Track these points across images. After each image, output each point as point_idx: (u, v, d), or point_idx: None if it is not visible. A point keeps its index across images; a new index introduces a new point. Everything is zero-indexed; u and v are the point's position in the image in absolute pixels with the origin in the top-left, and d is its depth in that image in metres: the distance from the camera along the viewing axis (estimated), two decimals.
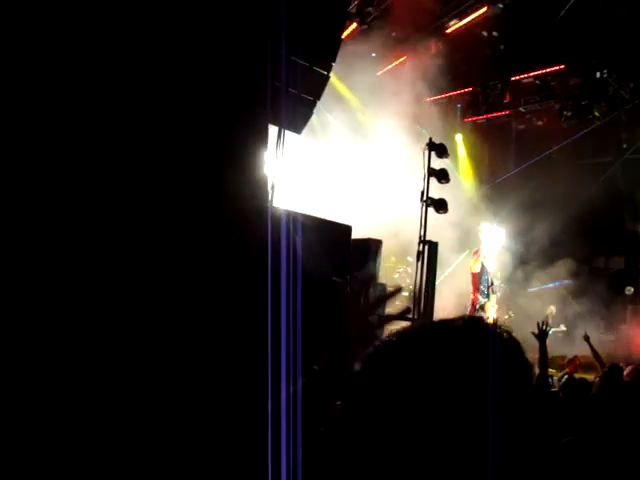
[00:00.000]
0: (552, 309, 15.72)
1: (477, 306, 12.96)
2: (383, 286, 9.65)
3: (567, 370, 10.24)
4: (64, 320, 3.64)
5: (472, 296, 13.19)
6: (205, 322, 4.28)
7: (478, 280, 13.15)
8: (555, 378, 9.07)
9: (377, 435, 0.86)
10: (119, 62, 4.24)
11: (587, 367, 13.64)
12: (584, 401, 5.15)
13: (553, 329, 15.32)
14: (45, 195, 3.77)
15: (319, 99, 6.89)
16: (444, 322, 0.96)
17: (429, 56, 16.00)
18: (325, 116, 13.84)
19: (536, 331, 5.74)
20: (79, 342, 3.65)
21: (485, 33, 15.63)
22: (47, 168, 3.80)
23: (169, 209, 4.43)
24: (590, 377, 7.08)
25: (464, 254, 16.17)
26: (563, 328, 15.93)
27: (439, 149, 10.44)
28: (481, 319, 1.02)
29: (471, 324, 0.96)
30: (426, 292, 9.77)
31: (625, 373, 7.25)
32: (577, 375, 8.51)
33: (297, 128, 7.29)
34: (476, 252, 13.81)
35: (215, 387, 4.15)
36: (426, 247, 9.92)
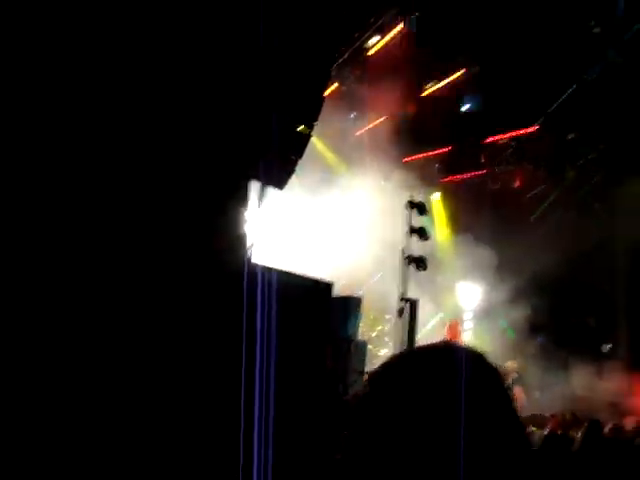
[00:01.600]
0: (510, 363, 15.58)
1: None
2: (364, 343, 9.66)
3: (549, 427, 10.21)
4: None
5: None
6: (179, 387, 4.22)
7: None
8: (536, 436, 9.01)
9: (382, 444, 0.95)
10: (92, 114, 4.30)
11: (565, 425, 13.64)
12: (567, 456, 5.15)
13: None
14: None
15: (301, 157, 7.01)
16: (427, 347, 1.10)
17: (407, 117, 16.37)
18: (305, 173, 14.02)
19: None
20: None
21: (462, 95, 16.05)
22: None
23: (146, 267, 4.43)
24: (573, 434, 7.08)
25: (439, 313, 16.22)
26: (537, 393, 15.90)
27: (419, 207, 10.61)
28: (454, 344, 1.15)
29: (448, 347, 1.09)
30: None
31: (606, 429, 7.27)
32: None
33: (279, 185, 7.38)
34: (454, 326, 13.81)
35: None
36: (407, 304, 9.98)
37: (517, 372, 15.32)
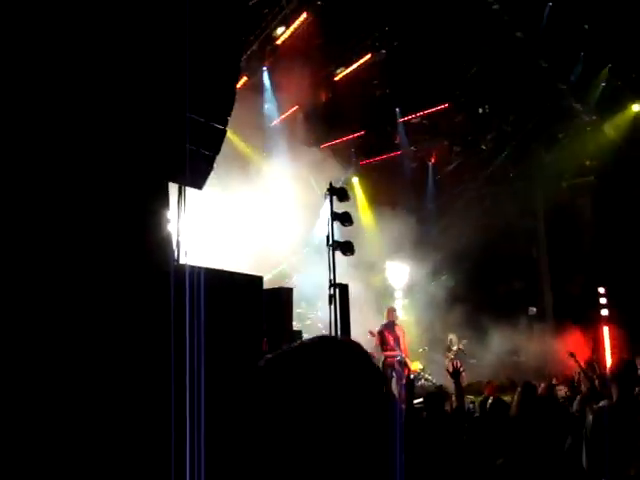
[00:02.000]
0: (452, 337, 16.05)
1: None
2: (300, 332, 9.68)
3: (485, 394, 10.48)
4: None
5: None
6: (105, 389, 4.14)
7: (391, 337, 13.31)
8: (475, 403, 9.27)
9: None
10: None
11: (502, 389, 14.07)
12: (505, 420, 5.30)
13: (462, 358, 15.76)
14: None
15: (217, 153, 6.91)
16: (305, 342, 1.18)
17: (320, 104, 16.45)
18: (223, 170, 13.91)
19: (450, 369, 6.20)
20: None
21: (374, 80, 16.22)
22: None
23: (70, 271, 4.32)
24: (507, 398, 7.29)
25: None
26: (473, 360, 16.37)
27: (339, 193, 10.66)
28: (336, 338, 1.25)
29: (328, 340, 1.18)
30: (342, 334, 9.84)
31: (539, 390, 7.52)
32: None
33: (198, 184, 7.27)
34: (391, 311, 13.97)
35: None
36: (337, 290, 10.03)
37: (460, 345, 15.71)
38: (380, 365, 12.54)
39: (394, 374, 12.93)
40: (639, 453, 2.58)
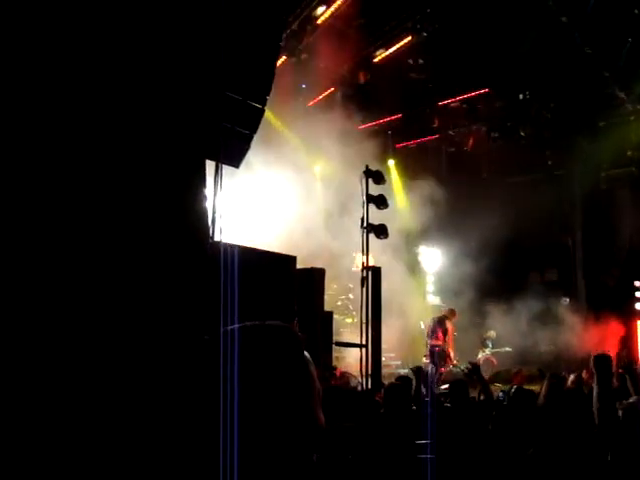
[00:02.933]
0: (492, 333, 16.16)
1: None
2: (330, 313, 9.74)
3: (514, 383, 10.48)
4: None
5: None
6: (141, 363, 4.21)
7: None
8: (504, 392, 9.24)
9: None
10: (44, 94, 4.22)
11: (531, 379, 14.04)
12: (532, 410, 5.30)
13: (497, 349, 15.86)
14: None
15: (255, 132, 6.93)
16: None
17: (358, 85, 16.37)
18: (260, 149, 13.97)
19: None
20: None
21: (411, 61, 16.06)
22: None
23: (109, 247, 4.39)
24: (536, 388, 7.26)
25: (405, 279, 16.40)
26: (508, 349, 16.39)
27: (375, 176, 10.63)
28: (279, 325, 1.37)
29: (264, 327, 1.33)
30: (373, 319, 9.87)
31: (568, 382, 7.49)
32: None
33: (235, 162, 7.31)
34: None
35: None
36: (370, 273, 10.04)
37: (491, 338, 15.85)
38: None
39: (436, 361, 13.91)
40: None
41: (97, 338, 4.02)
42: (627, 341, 16.02)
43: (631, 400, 4.54)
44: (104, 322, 4.09)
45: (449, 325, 14.48)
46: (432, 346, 14.37)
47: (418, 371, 6.93)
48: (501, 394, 8.53)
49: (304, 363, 1.26)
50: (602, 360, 3.40)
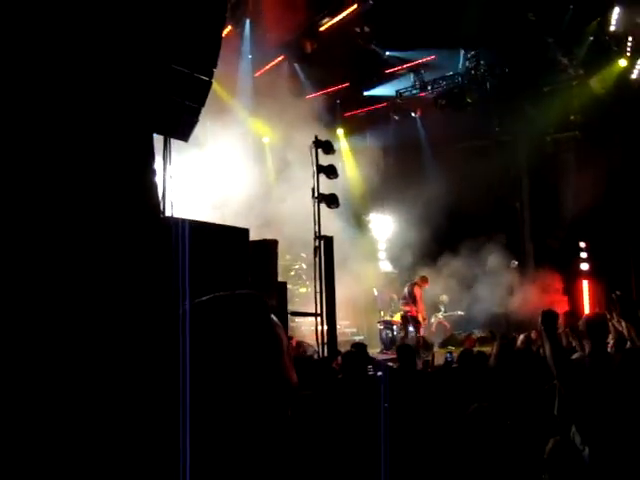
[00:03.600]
0: (444, 298, 16.44)
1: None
2: (284, 283, 9.78)
3: (465, 345, 10.74)
4: None
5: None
6: (88, 344, 4.19)
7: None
8: (455, 354, 9.48)
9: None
10: None
11: (483, 341, 14.39)
12: (483, 372, 5.47)
13: (449, 313, 16.19)
14: None
15: (203, 105, 6.87)
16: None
17: (305, 55, 16.29)
18: (207, 121, 13.82)
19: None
20: None
21: (358, 29, 16.04)
22: None
23: (56, 226, 4.34)
24: (488, 349, 7.46)
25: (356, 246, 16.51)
26: (460, 312, 16.72)
27: (325, 146, 10.66)
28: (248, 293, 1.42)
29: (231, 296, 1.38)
30: (327, 287, 9.97)
31: (518, 343, 7.72)
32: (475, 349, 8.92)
33: (183, 136, 7.25)
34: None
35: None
36: (322, 242, 10.11)
37: (444, 302, 16.15)
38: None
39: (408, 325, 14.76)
40: (608, 402, 2.71)
41: (50, 318, 3.99)
42: (573, 300, 16.53)
43: (575, 356, 4.73)
44: (56, 302, 4.06)
45: (417, 291, 14.76)
46: (405, 311, 14.84)
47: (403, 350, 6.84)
48: (448, 356, 8.73)
49: (272, 326, 1.32)
50: (549, 316, 3.55)
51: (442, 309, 16.65)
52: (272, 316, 1.35)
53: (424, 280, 15.28)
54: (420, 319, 14.69)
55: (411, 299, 14.76)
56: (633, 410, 2.39)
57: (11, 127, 4.21)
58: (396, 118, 19.19)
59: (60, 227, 4.31)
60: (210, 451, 1.22)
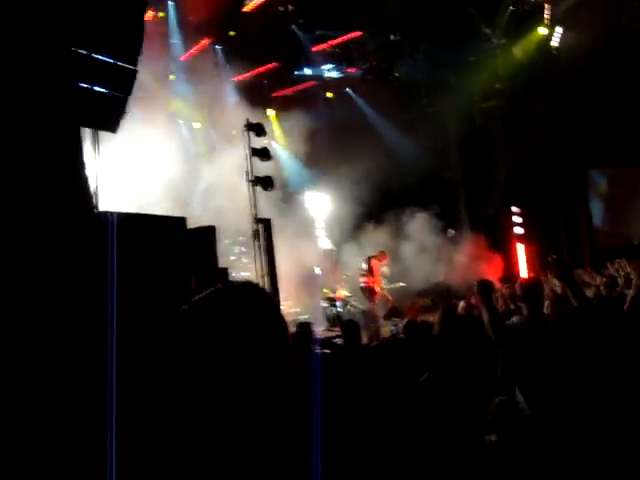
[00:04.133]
0: (385, 270, 16.56)
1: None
2: (225, 269, 9.72)
3: (409, 316, 10.89)
4: None
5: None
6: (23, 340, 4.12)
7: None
8: (400, 326, 9.62)
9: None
10: None
11: (426, 310, 14.62)
12: (428, 341, 5.57)
13: (391, 285, 16.37)
14: None
15: (129, 94, 6.74)
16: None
17: (230, 37, 16.10)
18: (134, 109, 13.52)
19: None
20: None
21: (282, 8, 15.93)
22: None
23: None
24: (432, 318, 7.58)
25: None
26: (402, 284, 16.92)
27: (257, 129, 10.61)
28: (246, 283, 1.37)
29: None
30: (268, 269, 9.98)
31: (460, 308, 7.90)
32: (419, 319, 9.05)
33: (111, 127, 7.10)
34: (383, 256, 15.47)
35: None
36: (260, 226, 10.10)
37: (385, 275, 16.29)
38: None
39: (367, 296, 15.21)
40: (545, 363, 2.82)
41: None
42: (510, 264, 16.97)
43: (514, 319, 4.88)
44: None
45: (375, 264, 15.20)
46: (362, 282, 15.23)
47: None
48: (393, 328, 8.86)
49: (278, 311, 1.31)
50: (485, 285, 3.67)
51: (384, 281, 16.76)
52: (273, 302, 1.32)
53: (382, 254, 15.64)
54: (376, 289, 15.11)
55: (368, 272, 15.15)
56: (569, 369, 2.49)
57: None
58: (326, 96, 19.19)
59: None
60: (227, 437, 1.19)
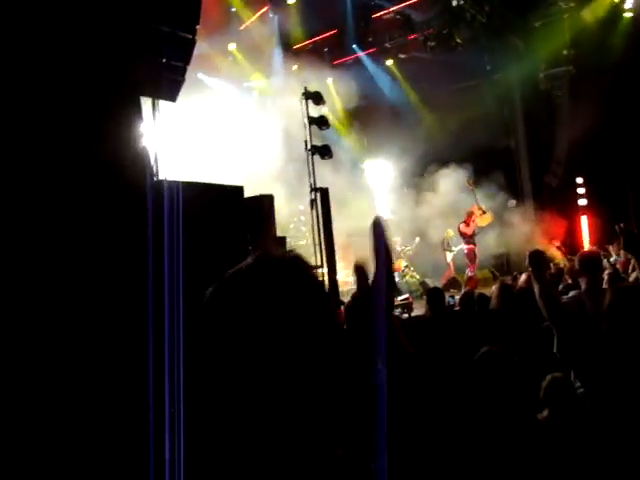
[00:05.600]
0: (450, 232, 16.31)
1: None
2: (284, 238, 9.78)
3: (467, 288, 10.78)
4: None
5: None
6: (82, 306, 4.21)
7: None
8: (457, 297, 9.53)
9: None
10: None
11: (485, 282, 14.44)
12: (484, 314, 5.51)
13: (455, 250, 16.09)
14: None
15: (188, 64, 6.79)
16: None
17: (288, 4, 15.99)
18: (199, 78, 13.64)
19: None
20: None
21: None
22: None
23: (43, 195, 4.32)
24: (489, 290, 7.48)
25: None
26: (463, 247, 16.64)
27: (315, 97, 10.55)
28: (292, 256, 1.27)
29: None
30: (325, 239, 9.98)
31: (521, 281, 7.75)
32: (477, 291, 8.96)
33: (170, 96, 7.17)
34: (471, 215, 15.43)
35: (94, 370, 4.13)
36: (318, 194, 10.09)
37: (451, 237, 16.10)
38: None
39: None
40: (600, 341, 2.73)
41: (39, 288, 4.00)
42: (573, 237, 16.56)
43: (572, 293, 4.77)
44: (46, 273, 4.06)
45: (464, 229, 15.38)
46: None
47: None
48: (450, 299, 8.78)
49: (320, 283, 1.23)
50: (536, 256, 3.49)
51: (451, 245, 16.35)
52: (315, 272, 1.24)
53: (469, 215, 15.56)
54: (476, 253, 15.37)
55: (462, 238, 15.40)
56: (625, 350, 2.40)
57: None
58: (387, 63, 18.94)
59: (52, 197, 4.29)
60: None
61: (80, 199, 4.46)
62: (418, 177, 17.72)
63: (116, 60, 5.31)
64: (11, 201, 4.04)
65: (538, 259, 3.47)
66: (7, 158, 4.09)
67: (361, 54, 18.61)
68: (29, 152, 4.28)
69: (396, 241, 16.23)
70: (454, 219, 16.22)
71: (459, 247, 15.83)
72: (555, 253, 14.13)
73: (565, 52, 17.10)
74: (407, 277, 15.56)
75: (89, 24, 4.98)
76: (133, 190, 5.00)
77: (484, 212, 15.51)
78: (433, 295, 6.30)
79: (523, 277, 8.32)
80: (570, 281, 6.83)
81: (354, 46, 18.45)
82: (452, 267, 16.03)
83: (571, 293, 4.81)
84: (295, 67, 16.26)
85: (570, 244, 15.60)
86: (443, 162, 17.02)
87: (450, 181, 17.10)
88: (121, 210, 4.69)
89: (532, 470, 2.60)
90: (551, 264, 9.77)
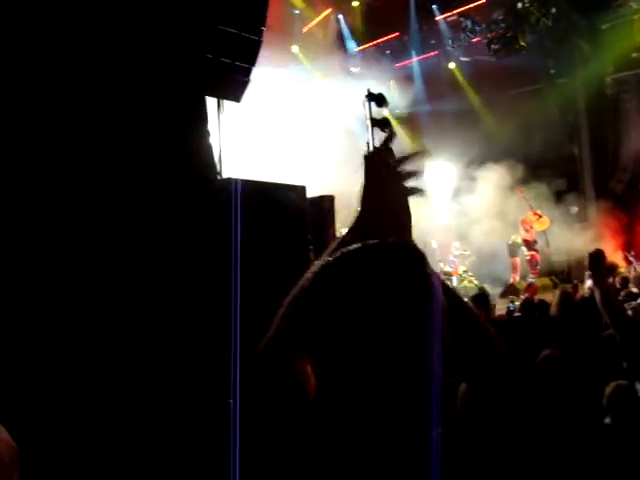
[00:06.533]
0: (516, 237, 16.05)
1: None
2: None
3: (527, 294, 10.65)
4: None
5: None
6: (155, 304, 4.31)
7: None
8: (517, 304, 9.41)
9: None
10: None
11: (544, 289, 14.19)
12: (544, 320, 5.44)
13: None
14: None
15: (254, 65, 6.87)
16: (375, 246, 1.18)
17: (352, 6, 16.04)
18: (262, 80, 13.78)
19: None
20: None
21: None
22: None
23: (117, 190, 4.45)
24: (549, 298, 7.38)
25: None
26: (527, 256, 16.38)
27: (378, 99, 10.53)
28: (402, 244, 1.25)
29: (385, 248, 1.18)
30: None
31: (586, 288, 7.61)
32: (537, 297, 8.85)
33: (235, 97, 7.27)
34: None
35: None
36: None
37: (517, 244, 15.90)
38: None
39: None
40: None
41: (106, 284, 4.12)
42: (637, 246, 16.10)
43: (633, 303, 4.65)
44: (112, 270, 4.18)
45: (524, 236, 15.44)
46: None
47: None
48: (510, 305, 8.72)
49: (428, 281, 1.14)
50: (596, 257, 3.31)
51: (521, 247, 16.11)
52: (429, 270, 1.16)
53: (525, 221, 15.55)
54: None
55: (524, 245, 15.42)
56: None
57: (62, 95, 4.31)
58: (449, 66, 18.79)
59: (116, 192, 4.43)
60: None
61: (155, 196, 4.59)
62: (476, 182, 17.50)
63: (183, 61, 5.44)
64: (96, 200, 4.18)
65: (598, 260, 3.35)
66: (90, 159, 4.24)
67: (423, 57, 18.51)
68: (106, 152, 4.43)
69: (457, 247, 16.09)
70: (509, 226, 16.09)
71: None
72: (620, 262, 13.79)
73: (634, 55, 16.61)
74: (465, 282, 15.38)
75: (157, 26, 5.12)
76: (200, 188, 5.12)
77: (540, 217, 15.25)
78: (479, 299, 6.29)
79: (588, 284, 8.19)
80: (636, 289, 6.68)
81: (416, 49, 18.38)
82: (517, 273, 15.79)
83: (634, 303, 4.70)
84: (357, 69, 16.28)
85: (636, 254, 15.16)
86: (505, 168, 16.75)
87: (506, 186, 16.84)
88: (192, 208, 4.80)
89: (596, 476, 2.57)
90: (616, 274, 9.56)
